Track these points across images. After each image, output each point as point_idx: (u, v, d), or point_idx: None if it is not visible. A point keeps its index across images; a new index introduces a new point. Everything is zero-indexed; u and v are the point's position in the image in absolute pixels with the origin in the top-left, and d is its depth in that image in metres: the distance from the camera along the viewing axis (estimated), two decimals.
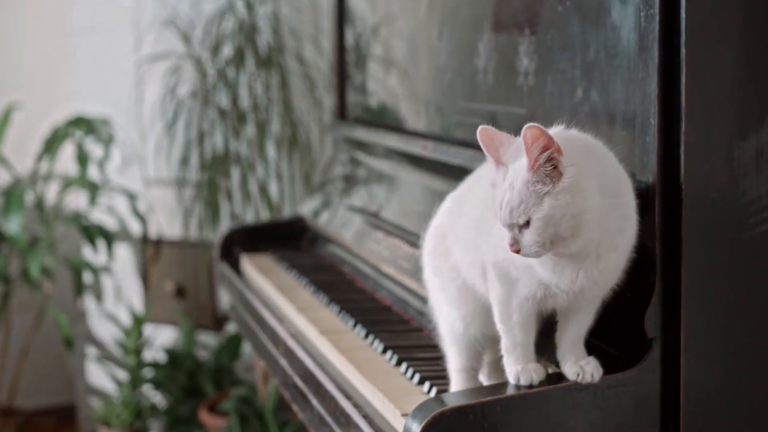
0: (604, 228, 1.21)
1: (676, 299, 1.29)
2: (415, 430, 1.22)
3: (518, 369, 1.29)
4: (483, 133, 1.23)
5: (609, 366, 1.30)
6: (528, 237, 1.18)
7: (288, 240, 2.55)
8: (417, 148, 1.99)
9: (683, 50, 1.26)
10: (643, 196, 1.30)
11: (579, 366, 1.27)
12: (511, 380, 1.29)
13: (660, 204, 1.29)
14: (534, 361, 1.30)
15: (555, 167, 1.18)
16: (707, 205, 1.28)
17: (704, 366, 1.30)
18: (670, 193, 1.29)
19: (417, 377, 1.52)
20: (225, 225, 3.08)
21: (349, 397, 1.54)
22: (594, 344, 1.33)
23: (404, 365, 1.58)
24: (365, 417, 1.45)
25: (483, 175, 1.37)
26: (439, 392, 1.45)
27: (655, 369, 1.30)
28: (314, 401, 1.66)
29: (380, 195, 2.16)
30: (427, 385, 1.49)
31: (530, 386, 1.28)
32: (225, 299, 2.48)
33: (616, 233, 1.23)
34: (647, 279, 1.30)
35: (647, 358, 1.30)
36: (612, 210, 1.22)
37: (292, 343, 1.84)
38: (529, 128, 1.17)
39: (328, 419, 1.58)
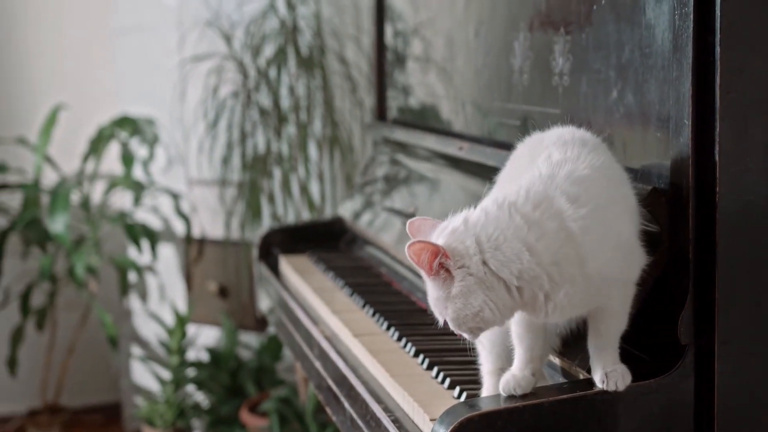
0: (542, 276, 1.19)
1: (710, 305, 1.26)
2: None
3: (507, 377, 1.27)
4: (410, 225, 1.26)
5: (642, 372, 1.27)
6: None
7: (327, 241, 2.54)
8: (453, 149, 1.98)
9: (718, 49, 1.23)
10: (677, 198, 1.27)
11: (604, 373, 1.24)
12: (500, 387, 1.27)
13: (694, 206, 1.26)
14: (529, 372, 1.27)
15: (448, 271, 1.20)
16: (742, 207, 1.25)
17: (739, 373, 1.27)
18: (704, 195, 1.26)
19: (448, 381, 1.50)
20: (266, 225, 3.08)
21: (379, 401, 1.52)
22: (627, 350, 1.31)
23: (435, 369, 1.56)
24: (395, 421, 1.44)
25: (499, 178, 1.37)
26: (469, 397, 1.43)
27: (689, 376, 1.27)
28: (346, 404, 1.65)
29: (417, 196, 2.14)
30: (457, 389, 1.47)
31: (561, 392, 1.25)
32: (264, 300, 2.48)
33: (567, 267, 1.19)
34: (681, 284, 1.27)
35: (680, 364, 1.27)
36: (548, 249, 1.18)
37: (325, 345, 1.83)
38: (410, 246, 1.20)
39: (360, 423, 1.57)
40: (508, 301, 1.19)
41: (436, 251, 1.19)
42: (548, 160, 1.24)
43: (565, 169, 1.21)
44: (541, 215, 1.19)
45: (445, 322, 1.23)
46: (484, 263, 1.18)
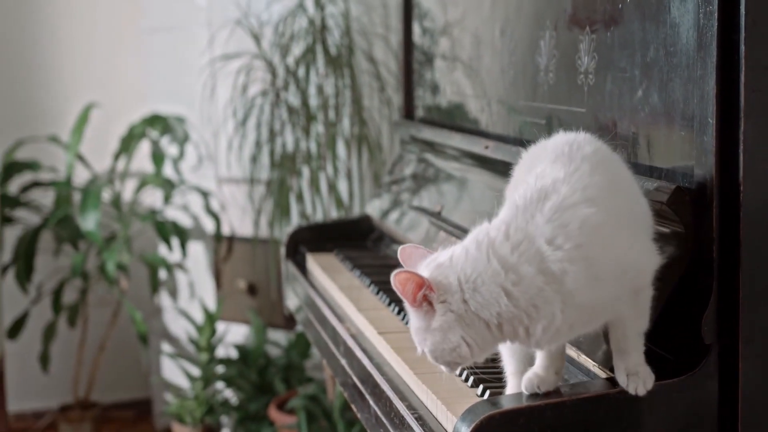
0: (521, 315, 1.19)
1: (734, 304, 1.26)
2: None
3: (529, 375, 1.27)
4: (402, 252, 1.29)
5: (666, 372, 1.27)
6: None
7: (354, 239, 2.55)
8: (479, 147, 1.98)
9: (742, 47, 1.23)
10: (701, 197, 1.27)
11: (626, 376, 1.24)
12: (522, 385, 1.28)
13: (718, 205, 1.26)
14: (552, 371, 1.27)
15: (430, 304, 1.21)
16: (766, 205, 1.24)
17: (763, 372, 1.26)
18: (728, 193, 1.25)
19: (472, 379, 1.50)
20: (294, 223, 3.09)
21: (403, 399, 1.53)
22: (650, 349, 1.31)
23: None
24: (418, 419, 1.44)
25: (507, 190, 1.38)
26: (493, 395, 1.44)
27: (713, 375, 1.27)
28: (371, 401, 1.65)
29: (444, 195, 2.15)
30: (481, 387, 1.47)
31: (583, 391, 1.25)
32: (291, 298, 2.50)
33: (546, 307, 1.18)
34: (705, 283, 1.26)
35: (704, 363, 1.26)
36: (525, 294, 1.18)
37: (351, 343, 1.84)
38: (396, 276, 1.21)
39: (384, 420, 1.57)
40: (488, 337, 1.20)
41: (421, 283, 1.20)
42: (538, 181, 1.22)
43: (553, 200, 1.19)
44: (518, 258, 1.18)
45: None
46: (465, 302, 1.19)
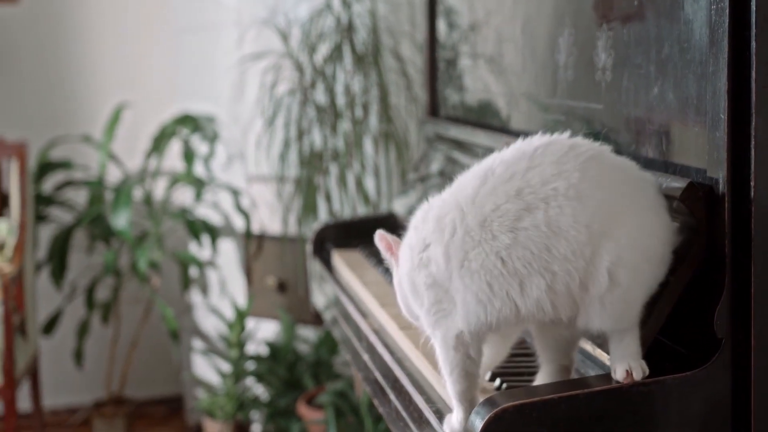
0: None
1: (747, 298, 1.26)
2: (478, 426, 1.23)
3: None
4: (381, 239, 1.41)
5: (680, 366, 1.28)
6: None
7: None
8: (500, 144, 1.99)
9: (753, 44, 1.23)
10: (714, 192, 1.28)
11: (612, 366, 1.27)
12: None
13: (730, 200, 1.26)
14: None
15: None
16: None
17: None
18: (740, 188, 1.26)
19: (489, 373, 1.52)
20: (321, 221, 3.12)
21: (422, 393, 1.55)
22: (664, 344, 1.32)
23: None
24: (436, 412, 1.46)
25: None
26: (509, 389, 1.45)
27: (726, 369, 1.28)
28: (392, 396, 1.67)
29: None
30: (498, 381, 1.49)
31: (596, 384, 1.27)
32: (317, 294, 2.52)
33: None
34: (717, 277, 1.27)
35: (717, 357, 1.27)
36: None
37: (373, 338, 1.86)
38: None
39: (404, 414, 1.59)
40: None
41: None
42: (478, 182, 1.31)
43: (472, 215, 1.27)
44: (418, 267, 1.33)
45: None
46: None
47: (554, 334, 1.35)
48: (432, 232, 1.30)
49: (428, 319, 1.31)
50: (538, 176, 1.25)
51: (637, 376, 1.25)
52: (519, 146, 1.31)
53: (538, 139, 1.31)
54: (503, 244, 1.23)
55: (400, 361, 1.71)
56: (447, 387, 1.32)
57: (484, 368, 1.46)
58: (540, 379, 1.41)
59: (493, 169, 1.29)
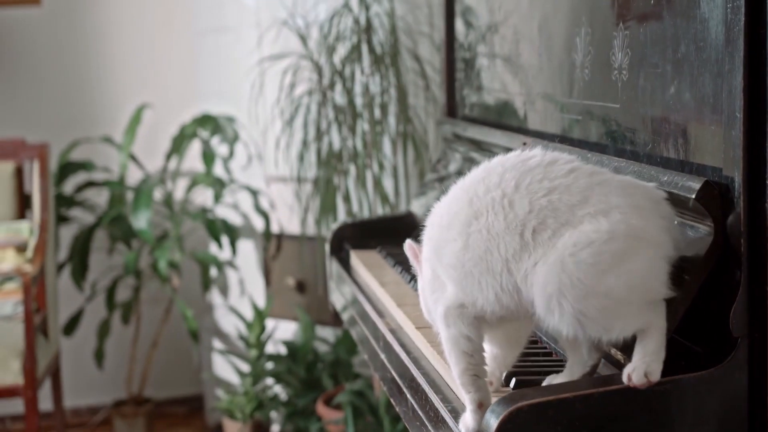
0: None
1: (762, 297, 1.26)
2: (493, 425, 1.23)
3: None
4: (409, 248, 1.46)
5: (695, 364, 1.28)
6: None
7: (398, 236, 2.55)
8: (518, 144, 1.99)
9: None
10: (730, 190, 1.28)
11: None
12: None
13: (746, 199, 1.26)
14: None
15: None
16: None
17: None
18: (756, 187, 1.26)
19: (504, 373, 1.52)
20: (339, 221, 3.13)
21: (438, 392, 1.55)
22: (680, 342, 1.32)
23: None
24: (451, 411, 1.46)
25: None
26: (525, 388, 1.45)
27: (742, 368, 1.27)
28: (408, 395, 1.68)
29: None
30: (513, 381, 1.49)
31: (611, 383, 1.27)
32: (335, 294, 2.53)
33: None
34: (733, 276, 1.27)
35: (733, 356, 1.27)
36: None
37: (390, 338, 1.87)
38: None
39: (420, 413, 1.60)
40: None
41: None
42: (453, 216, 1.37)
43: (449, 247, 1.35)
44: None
45: None
46: None
47: None
48: (427, 228, 1.43)
49: (432, 301, 1.41)
50: (484, 186, 1.34)
51: (647, 379, 1.24)
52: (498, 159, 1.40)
53: (512, 154, 1.39)
54: (458, 246, 1.34)
55: (416, 361, 1.71)
56: (453, 375, 1.37)
57: (497, 367, 1.46)
58: (564, 377, 1.41)
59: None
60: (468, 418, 1.34)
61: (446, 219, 1.37)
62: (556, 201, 1.27)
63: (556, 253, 1.25)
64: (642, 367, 1.24)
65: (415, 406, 1.62)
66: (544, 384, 1.41)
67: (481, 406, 1.32)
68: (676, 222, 1.31)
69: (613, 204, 1.26)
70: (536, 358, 1.59)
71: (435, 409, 1.52)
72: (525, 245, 1.27)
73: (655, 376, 1.24)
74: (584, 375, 1.37)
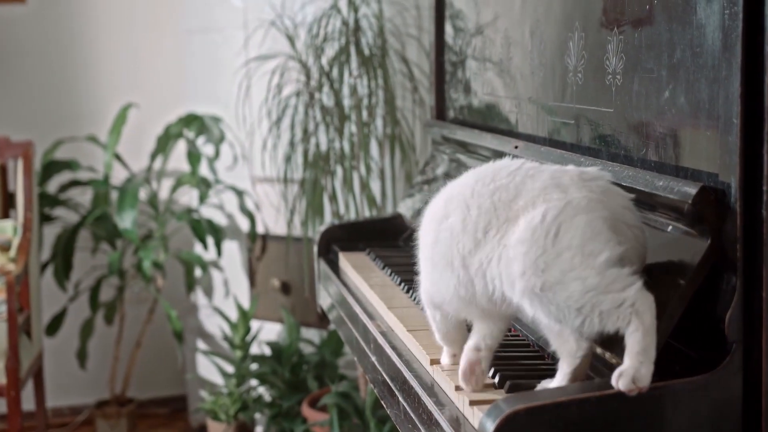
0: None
1: (758, 302, 1.27)
2: (490, 429, 1.23)
3: None
4: None
5: (690, 369, 1.28)
6: None
7: (386, 238, 2.57)
8: (508, 147, 1.99)
9: (767, 48, 1.24)
10: (726, 196, 1.28)
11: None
12: None
13: (742, 205, 1.27)
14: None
15: None
16: None
17: None
18: (752, 193, 1.26)
19: (498, 377, 1.52)
20: (327, 222, 3.12)
21: (432, 395, 1.55)
22: (675, 347, 1.32)
23: None
24: (444, 413, 1.46)
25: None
26: (520, 392, 1.45)
27: (737, 373, 1.28)
28: (400, 398, 1.67)
29: None
30: (508, 384, 1.49)
31: (607, 387, 1.27)
32: (323, 296, 2.52)
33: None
34: (729, 282, 1.28)
35: (728, 361, 1.27)
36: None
37: (381, 340, 1.86)
38: None
39: (412, 416, 1.59)
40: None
41: None
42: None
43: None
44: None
45: None
46: None
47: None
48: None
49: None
50: (458, 189, 1.47)
51: (635, 385, 1.24)
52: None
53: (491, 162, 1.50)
54: (430, 240, 1.49)
55: (408, 363, 1.71)
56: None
57: (482, 343, 1.50)
58: (557, 377, 1.41)
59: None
60: (444, 359, 1.58)
61: (429, 215, 1.52)
62: (497, 201, 1.39)
63: (504, 249, 1.36)
64: (630, 372, 1.24)
65: (408, 408, 1.62)
66: (537, 388, 1.41)
67: (455, 356, 1.55)
68: (610, 190, 1.36)
69: (538, 189, 1.36)
70: (530, 361, 1.59)
71: (428, 411, 1.51)
72: (477, 243, 1.40)
73: (644, 381, 1.24)
74: (576, 368, 1.37)
